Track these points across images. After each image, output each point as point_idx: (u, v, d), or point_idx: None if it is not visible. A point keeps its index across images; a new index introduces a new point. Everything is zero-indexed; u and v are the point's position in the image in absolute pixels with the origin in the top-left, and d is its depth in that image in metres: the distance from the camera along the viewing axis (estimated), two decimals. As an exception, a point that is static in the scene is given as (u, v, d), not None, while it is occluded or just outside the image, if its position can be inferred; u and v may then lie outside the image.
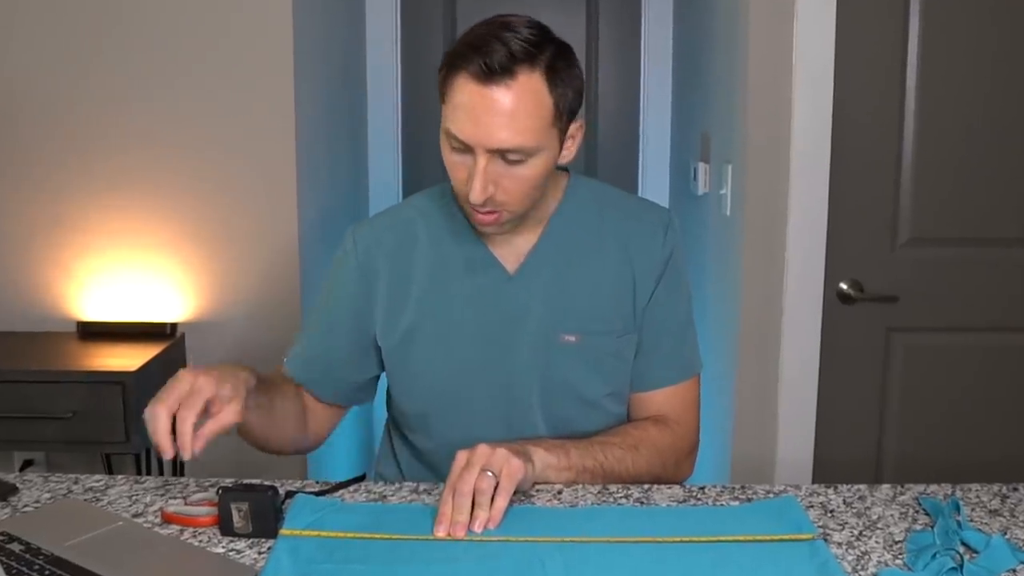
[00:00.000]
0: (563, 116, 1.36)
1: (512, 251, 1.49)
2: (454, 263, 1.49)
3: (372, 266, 1.51)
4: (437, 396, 1.49)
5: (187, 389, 1.21)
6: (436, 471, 1.52)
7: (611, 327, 1.48)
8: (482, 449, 1.25)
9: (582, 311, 1.47)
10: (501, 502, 1.22)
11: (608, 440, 1.44)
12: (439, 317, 1.48)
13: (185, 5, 2.42)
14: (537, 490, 1.33)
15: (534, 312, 1.47)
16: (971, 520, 1.26)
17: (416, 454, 1.58)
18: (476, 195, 1.32)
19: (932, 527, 1.23)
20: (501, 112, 1.29)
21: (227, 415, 1.24)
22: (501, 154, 1.31)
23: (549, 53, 1.32)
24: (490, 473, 1.23)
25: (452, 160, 1.36)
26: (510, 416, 1.45)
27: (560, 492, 1.35)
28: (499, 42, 1.28)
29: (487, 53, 1.28)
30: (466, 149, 1.32)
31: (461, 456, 1.25)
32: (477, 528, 1.20)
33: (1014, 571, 1.13)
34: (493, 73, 1.28)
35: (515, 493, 1.28)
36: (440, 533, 1.20)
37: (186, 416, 1.19)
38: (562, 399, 1.49)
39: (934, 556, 1.13)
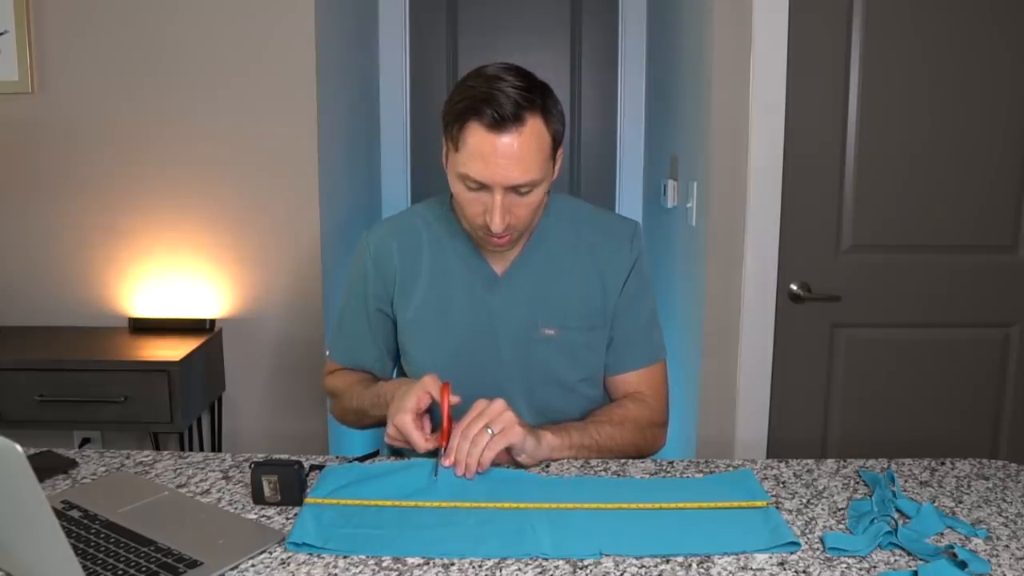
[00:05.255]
0: (557, 146, 1.40)
1: (500, 257, 1.51)
2: (452, 265, 1.52)
3: (384, 263, 1.54)
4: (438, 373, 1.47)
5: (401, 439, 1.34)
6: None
7: (584, 323, 1.50)
8: (496, 406, 1.29)
9: (559, 309, 1.49)
10: (488, 455, 1.26)
11: (599, 419, 1.46)
12: (438, 310, 1.51)
13: (221, 38, 2.42)
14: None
15: (518, 309, 1.49)
16: (904, 490, 1.26)
17: None
18: (498, 226, 1.35)
19: (871, 496, 1.24)
20: (513, 155, 1.32)
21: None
22: (515, 188, 1.35)
23: (540, 95, 1.35)
24: (490, 431, 1.26)
25: (467, 197, 1.38)
26: (499, 395, 1.44)
27: (548, 466, 1.35)
28: (502, 94, 1.30)
29: (496, 104, 1.30)
30: (481, 187, 1.35)
31: (478, 404, 1.29)
32: (458, 471, 1.25)
33: (941, 534, 1.13)
34: (505, 121, 1.30)
35: (521, 467, 1.31)
36: (446, 463, 1.26)
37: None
38: (542, 384, 1.51)
39: (872, 522, 1.14)
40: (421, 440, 1.31)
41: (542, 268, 1.51)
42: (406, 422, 1.31)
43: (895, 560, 1.07)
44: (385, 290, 1.55)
